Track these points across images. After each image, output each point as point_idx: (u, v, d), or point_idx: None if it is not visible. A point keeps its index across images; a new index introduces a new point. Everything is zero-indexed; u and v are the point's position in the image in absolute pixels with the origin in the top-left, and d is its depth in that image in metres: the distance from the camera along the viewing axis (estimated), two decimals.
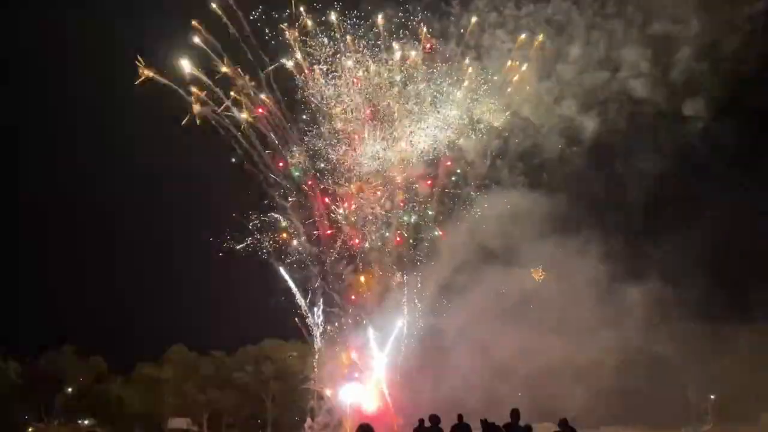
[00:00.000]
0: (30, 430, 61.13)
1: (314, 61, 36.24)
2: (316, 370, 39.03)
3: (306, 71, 36.49)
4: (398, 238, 38.81)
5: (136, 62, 33.31)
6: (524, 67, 36.49)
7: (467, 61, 36.93)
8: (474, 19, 36.12)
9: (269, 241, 37.59)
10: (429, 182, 38.51)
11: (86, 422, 65.34)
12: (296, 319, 38.05)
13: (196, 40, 33.67)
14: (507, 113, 37.61)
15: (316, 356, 39.20)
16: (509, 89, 37.19)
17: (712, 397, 48.66)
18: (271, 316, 39.94)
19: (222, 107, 35.32)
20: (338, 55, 36.19)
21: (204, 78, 34.68)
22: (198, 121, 34.80)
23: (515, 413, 13.36)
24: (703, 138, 34.91)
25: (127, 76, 33.75)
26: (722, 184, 40.30)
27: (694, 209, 38.47)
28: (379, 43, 36.04)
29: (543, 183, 38.17)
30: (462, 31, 36.44)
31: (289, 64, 36.08)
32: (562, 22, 36.18)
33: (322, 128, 37.41)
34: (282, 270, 37.79)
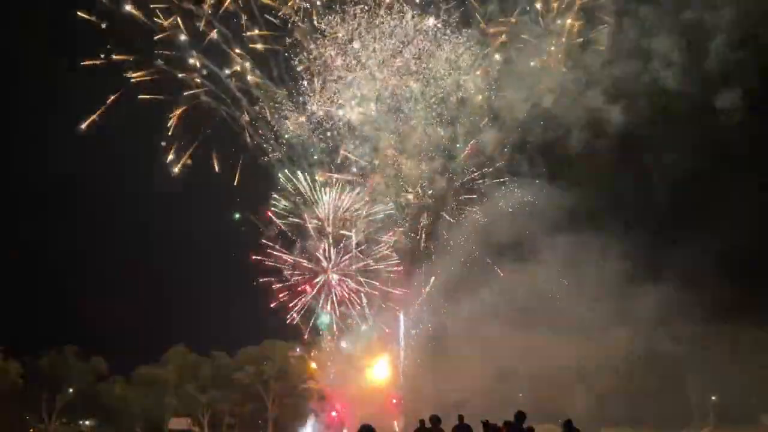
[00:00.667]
0: (31, 430, 61.10)
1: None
2: (315, 368, 38.78)
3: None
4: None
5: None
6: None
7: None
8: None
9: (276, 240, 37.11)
10: None
11: (87, 423, 65.37)
12: (298, 317, 37.70)
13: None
14: (529, 103, 35.67)
15: (317, 356, 38.95)
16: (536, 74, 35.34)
17: (713, 398, 48.46)
18: (272, 316, 39.59)
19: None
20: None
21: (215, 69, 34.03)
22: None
23: (521, 416, 13.21)
24: (738, 132, 32.71)
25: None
26: (757, 182, 37.23)
27: (725, 208, 36.18)
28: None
29: (565, 177, 36.44)
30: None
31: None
32: (591, 8, 34.16)
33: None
34: (286, 270, 37.41)
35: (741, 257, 36.63)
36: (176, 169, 34.67)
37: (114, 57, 32.51)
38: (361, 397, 37.05)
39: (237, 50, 34.58)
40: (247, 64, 34.90)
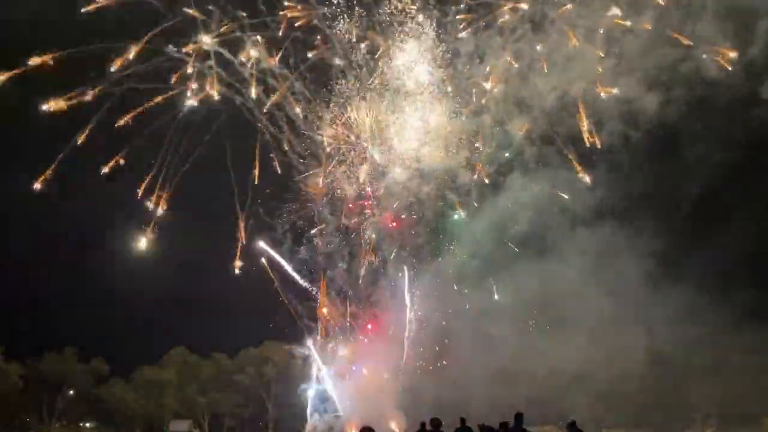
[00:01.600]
0: None
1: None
2: (319, 369, 38.61)
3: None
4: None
5: None
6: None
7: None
8: None
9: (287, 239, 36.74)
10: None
11: (87, 424, 65.40)
12: (301, 317, 37.46)
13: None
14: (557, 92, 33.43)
15: (319, 356, 38.84)
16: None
17: (714, 399, 48.23)
18: (272, 317, 39.42)
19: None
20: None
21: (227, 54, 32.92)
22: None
23: (519, 417, 13.35)
24: None
25: None
26: None
27: (762, 207, 34.91)
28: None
29: (593, 170, 34.53)
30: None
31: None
32: None
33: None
34: (290, 269, 37.15)
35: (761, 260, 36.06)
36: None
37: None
38: (361, 397, 36.98)
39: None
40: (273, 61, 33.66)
